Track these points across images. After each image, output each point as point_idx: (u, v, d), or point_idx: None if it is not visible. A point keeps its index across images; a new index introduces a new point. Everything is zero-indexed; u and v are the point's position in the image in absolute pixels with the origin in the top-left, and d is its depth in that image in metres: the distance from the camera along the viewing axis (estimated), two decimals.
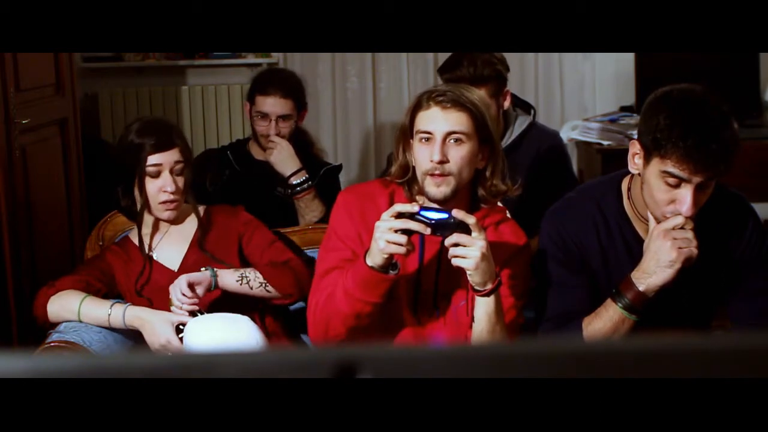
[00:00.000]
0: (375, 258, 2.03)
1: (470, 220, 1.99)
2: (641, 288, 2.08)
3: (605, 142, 4.08)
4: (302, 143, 3.27)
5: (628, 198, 2.21)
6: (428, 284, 2.19)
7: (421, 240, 2.13)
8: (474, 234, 1.99)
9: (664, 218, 2.06)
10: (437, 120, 2.13)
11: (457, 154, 2.13)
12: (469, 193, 2.22)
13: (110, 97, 4.65)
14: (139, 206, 2.46)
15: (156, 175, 2.42)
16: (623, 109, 4.48)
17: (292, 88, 3.24)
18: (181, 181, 2.44)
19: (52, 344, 2.30)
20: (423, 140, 2.15)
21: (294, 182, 3.14)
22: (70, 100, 3.49)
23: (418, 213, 1.99)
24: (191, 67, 4.79)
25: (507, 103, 3.01)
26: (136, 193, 2.45)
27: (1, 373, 0.68)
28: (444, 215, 1.99)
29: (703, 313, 2.30)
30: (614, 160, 3.67)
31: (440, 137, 2.12)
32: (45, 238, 3.18)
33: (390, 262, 2.04)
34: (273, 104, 3.19)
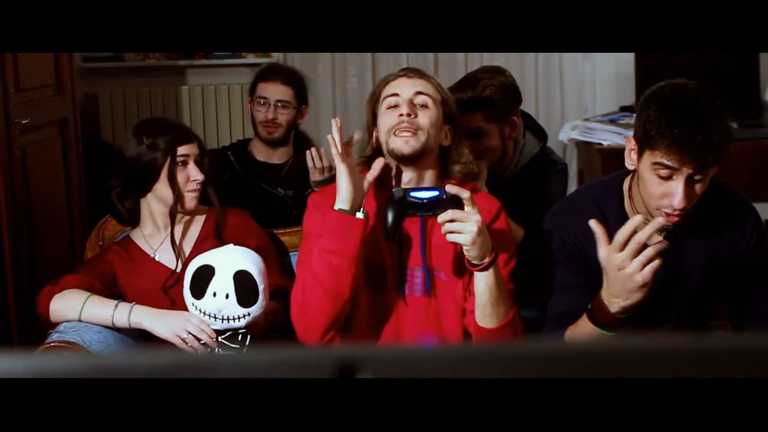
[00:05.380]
0: (344, 200, 2.09)
1: (464, 194, 1.99)
2: (613, 310, 2.04)
3: (605, 142, 4.08)
4: (302, 146, 3.28)
5: (629, 198, 2.21)
6: (416, 263, 2.19)
7: (399, 222, 2.12)
8: (467, 208, 1.98)
9: (658, 211, 2.06)
10: (403, 85, 2.21)
11: (425, 115, 2.18)
12: (438, 170, 2.25)
13: (110, 97, 4.65)
14: (173, 200, 2.47)
15: (183, 165, 2.46)
16: (623, 109, 4.48)
17: (293, 78, 3.29)
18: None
19: (52, 344, 2.29)
20: (390, 106, 2.21)
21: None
22: (70, 100, 3.49)
23: (408, 194, 1.99)
24: (191, 67, 4.79)
25: (515, 133, 2.79)
26: (160, 188, 2.46)
27: (1, 373, 0.68)
28: (435, 192, 1.99)
29: (703, 313, 2.30)
30: (614, 160, 3.66)
31: (408, 96, 2.19)
32: (45, 238, 3.18)
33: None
34: (273, 89, 3.23)
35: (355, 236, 2.08)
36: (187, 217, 2.56)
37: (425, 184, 2.19)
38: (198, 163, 2.48)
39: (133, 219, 2.55)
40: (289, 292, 2.47)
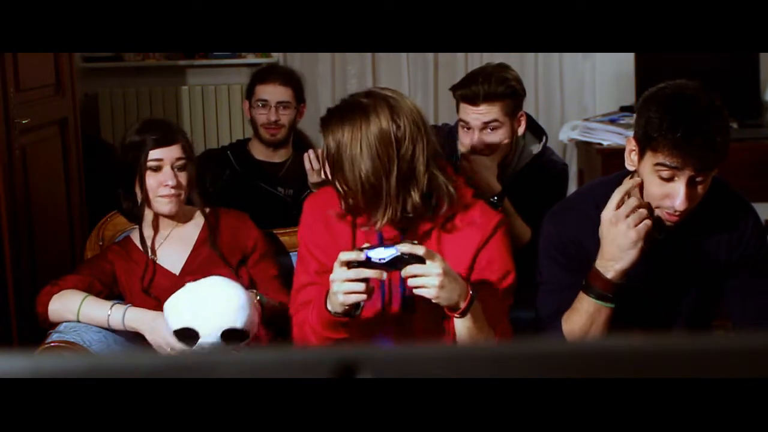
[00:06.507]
0: (336, 307, 1.99)
1: (419, 251, 1.93)
2: (609, 275, 2.07)
3: (605, 142, 4.08)
4: (301, 146, 3.28)
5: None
6: (396, 290, 2.17)
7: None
8: (428, 262, 1.93)
9: (659, 210, 2.07)
10: None
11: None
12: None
13: (110, 97, 4.65)
14: (139, 203, 2.47)
15: (157, 169, 2.42)
16: (623, 109, 4.47)
17: (291, 78, 3.30)
18: (183, 176, 2.45)
19: (52, 344, 2.30)
20: None
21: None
22: (70, 100, 3.49)
23: (367, 258, 1.93)
24: (191, 67, 4.79)
25: (522, 129, 2.79)
26: (137, 189, 2.46)
27: (1, 373, 0.68)
28: (392, 250, 1.93)
29: (703, 314, 2.30)
30: (614, 160, 3.66)
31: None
32: (45, 238, 3.18)
33: (352, 307, 2.00)
34: (272, 91, 3.24)
35: (348, 325, 2.06)
36: (185, 220, 2.55)
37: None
38: (177, 168, 2.44)
39: (134, 217, 2.54)
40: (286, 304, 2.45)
